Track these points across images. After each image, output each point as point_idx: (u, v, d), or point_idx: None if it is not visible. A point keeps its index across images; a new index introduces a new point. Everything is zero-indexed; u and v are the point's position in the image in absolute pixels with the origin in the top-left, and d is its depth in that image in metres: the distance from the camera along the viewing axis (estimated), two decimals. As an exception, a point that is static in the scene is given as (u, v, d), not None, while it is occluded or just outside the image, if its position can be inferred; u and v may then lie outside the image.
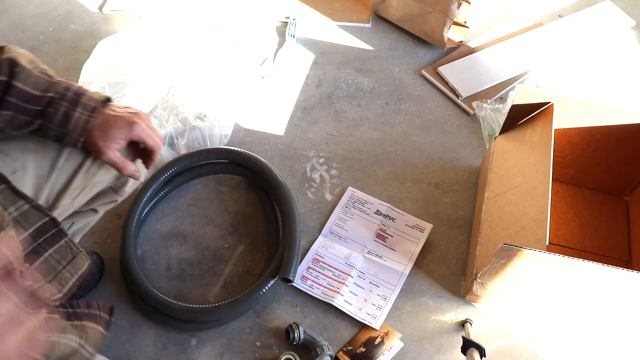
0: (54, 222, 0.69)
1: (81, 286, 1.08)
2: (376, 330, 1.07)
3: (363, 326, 1.08)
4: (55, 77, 0.72)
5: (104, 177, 0.82)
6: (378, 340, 1.05)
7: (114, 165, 0.75)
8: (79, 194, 0.79)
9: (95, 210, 0.90)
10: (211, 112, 1.29)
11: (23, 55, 0.71)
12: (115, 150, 0.74)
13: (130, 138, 0.75)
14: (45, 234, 0.68)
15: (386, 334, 1.06)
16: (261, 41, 1.61)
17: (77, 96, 0.71)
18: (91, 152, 0.75)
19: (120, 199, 0.91)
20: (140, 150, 0.82)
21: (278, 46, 1.60)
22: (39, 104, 0.70)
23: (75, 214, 0.86)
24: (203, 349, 1.06)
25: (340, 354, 1.03)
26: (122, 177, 0.86)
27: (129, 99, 1.28)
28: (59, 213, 0.77)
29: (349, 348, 1.05)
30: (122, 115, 0.74)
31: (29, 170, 0.72)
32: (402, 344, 1.05)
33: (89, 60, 1.34)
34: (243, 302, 1.05)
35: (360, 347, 1.05)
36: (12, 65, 0.68)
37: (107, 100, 0.75)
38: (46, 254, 0.67)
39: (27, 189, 0.71)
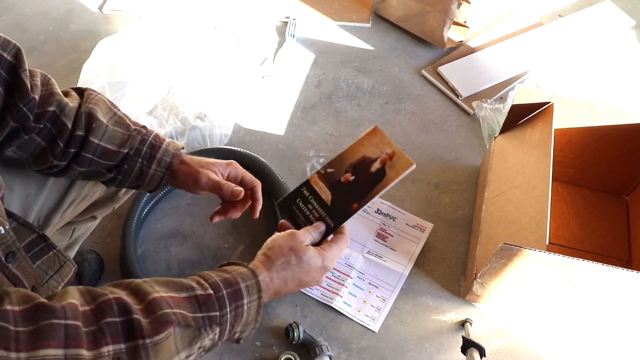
0: (42, 238, 0.68)
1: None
2: (373, 148, 0.73)
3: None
4: (131, 127, 0.72)
5: (94, 189, 0.82)
6: (376, 165, 0.71)
7: (214, 187, 0.73)
8: (68, 207, 0.78)
9: (94, 217, 0.90)
10: (211, 111, 1.29)
11: (101, 103, 0.70)
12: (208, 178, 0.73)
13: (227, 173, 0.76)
14: (33, 249, 0.67)
15: (390, 156, 0.73)
16: (261, 41, 1.61)
17: (153, 150, 0.72)
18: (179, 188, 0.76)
19: (116, 206, 0.91)
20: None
21: (278, 46, 1.60)
22: (113, 160, 0.70)
23: (75, 220, 0.85)
24: (203, 349, 1.05)
25: (315, 177, 0.74)
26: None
27: (129, 99, 1.28)
28: (51, 229, 0.77)
29: (328, 170, 0.72)
30: (212, 161, 0.75)
31: (15, 190, 0.71)
32: (413, 166, 0.72)
33: (89, 60, 1.34)
34: (243, 302, 1.05)
35: (346, 172, 0.71)
36: (90, 120, 0.68)
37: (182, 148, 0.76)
38: (34, 266, 0.66)
39: (14, 208, 0.70)
